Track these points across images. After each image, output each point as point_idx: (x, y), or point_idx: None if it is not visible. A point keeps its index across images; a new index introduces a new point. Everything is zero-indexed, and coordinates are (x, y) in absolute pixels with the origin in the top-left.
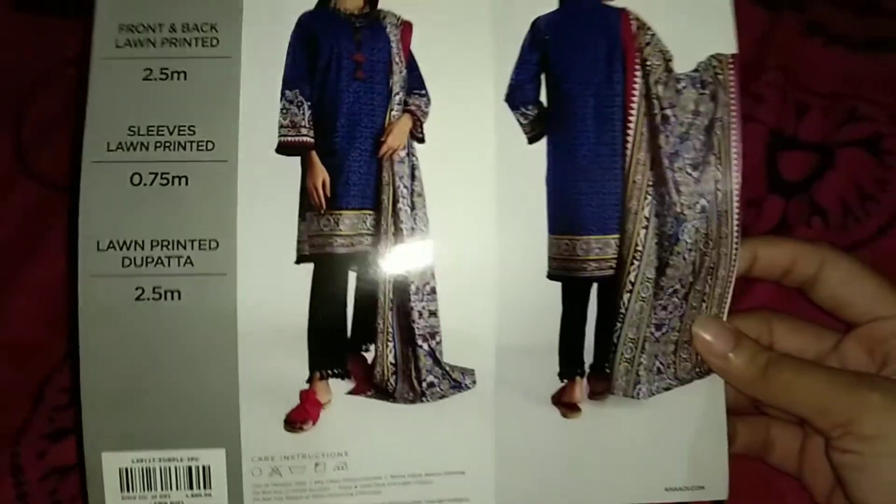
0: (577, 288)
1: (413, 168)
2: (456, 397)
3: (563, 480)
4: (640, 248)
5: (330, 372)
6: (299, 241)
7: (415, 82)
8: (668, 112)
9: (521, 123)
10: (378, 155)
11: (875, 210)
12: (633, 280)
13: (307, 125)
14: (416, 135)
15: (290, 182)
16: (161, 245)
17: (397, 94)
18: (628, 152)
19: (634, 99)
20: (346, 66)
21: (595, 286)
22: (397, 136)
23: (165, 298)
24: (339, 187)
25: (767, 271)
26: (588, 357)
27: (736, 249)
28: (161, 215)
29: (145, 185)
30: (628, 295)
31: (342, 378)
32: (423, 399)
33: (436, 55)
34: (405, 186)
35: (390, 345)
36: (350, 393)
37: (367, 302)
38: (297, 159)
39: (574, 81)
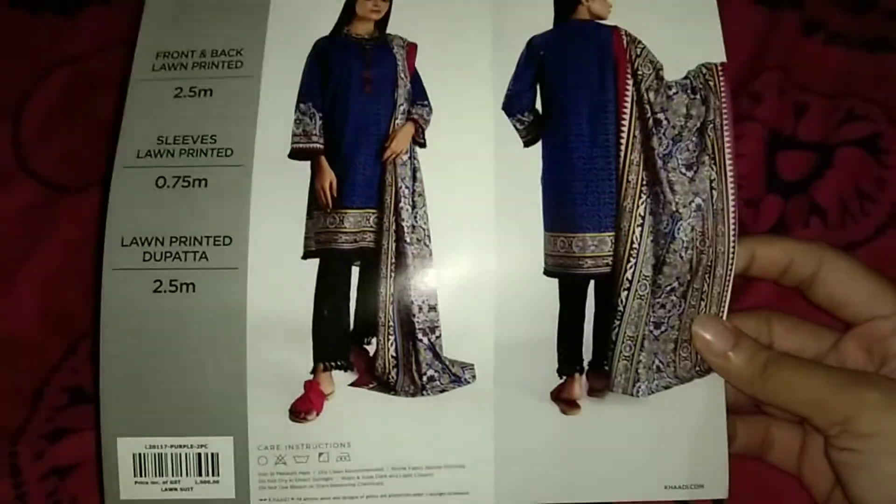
0: (574, 285)
1: (415, 170)
2: (456, 392)
3: (563, 476)
4: (636, 245)
5: (333, 364)
6: (306, 238)
7: (418, 94)
8: (660, 116)
9: (517, 129)
10: (382, 159)
11: (873, 210)
12: (630, 278)
13: (318, 133)
14: (419, 140)
15: (301, 185)
16: (179, 241)
17: (401, 105)
18: (622, 153)
19: (626, 104)
20: (356, 81)
21: (592, 284)
22: (400, 142)
23: (181, 291)
24: (345, 188)
25: (765, 270)
26: (587, 354)
27: (733, 248)
28: (181, 214)
29: (168, 187)
30: (626, 292)
31: (345, 370)
32: (424, 392)
33: (438, 70)
34: (407, 187)
35: (391, 338)
36: (352, 385)
37: (370, 296)
38: (308, 164)
39: (568, 91)
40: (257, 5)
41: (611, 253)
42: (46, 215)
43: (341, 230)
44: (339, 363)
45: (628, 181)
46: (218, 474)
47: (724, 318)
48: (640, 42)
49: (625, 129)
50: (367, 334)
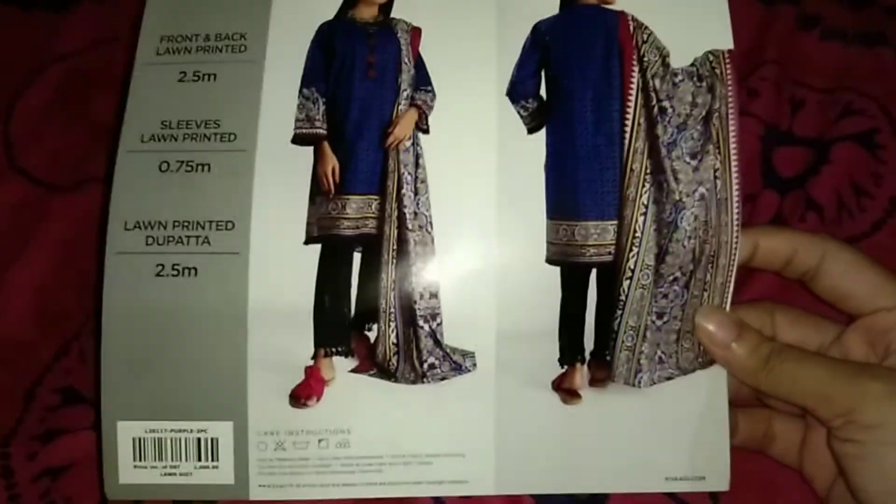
0: (576, 273)
1: (417, 157)
2: (457, 380)
3: (563, 466)
4: (638, 234)
5: (334, 349)
6: (308, 223)
7: (422, 80)
8: (666, 104)
9: (521, 116)
10: (385, 145)
11: (870, 205)
12: (632, 267)
13: (321, 118)
14: (422, 126)
15: (303, 170)
16: (182, 225)
17: (405, 90)
18: (626, 142)
19: (632, 91)
20: (359, 66)
21: (594, 273)
22: (403, 127)
23: (183, 275)
24: (347, 174)
25: (768, 261)
26: (588, 344)
27: (737, 237)
28: (184, 198)
29: (172, 171)
30: (628, 282)
31: (345, 356)
32: (424, 380)
33: (442, 55)
34: (409, 174)
35: (392, 325)
36: (353, 371)
37: (371, 282)
38: (311, 150)
39: (573, 77)
40: None
41: (613, 242)
42: (37, 214)
43: (343, 216)
44: (339, 349)
45: (632, 169)
46: (217, 459)
47: (728, 308)
48: (646, 27)
49: (629, 116)
50: (368, 320)
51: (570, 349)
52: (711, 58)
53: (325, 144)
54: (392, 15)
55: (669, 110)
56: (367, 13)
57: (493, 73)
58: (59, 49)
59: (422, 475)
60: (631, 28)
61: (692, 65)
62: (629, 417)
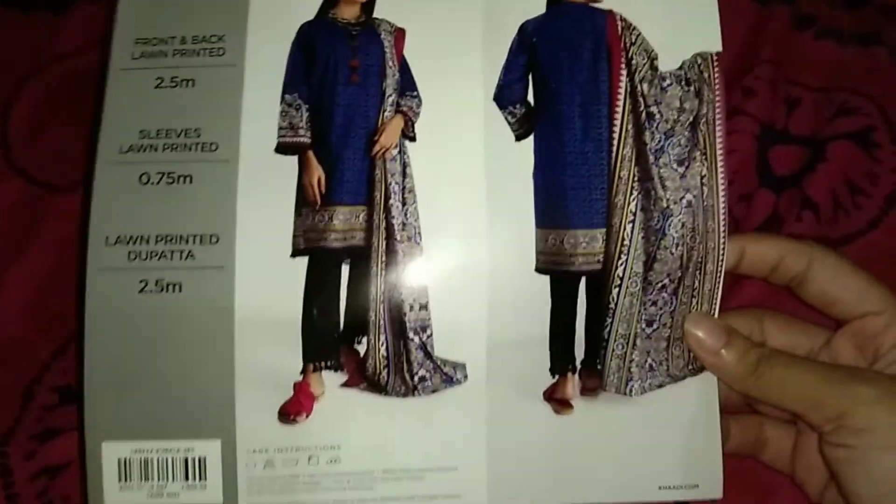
0: (566, 282)
1: (405, 165)
2: (448, 392)
3: (556, 477)
4: (626, 242)
5: (323, 364)
6: (295, 236)
7: (407, 85)
8: (654, 109)
9: (508, 122)
10: (371, 153)
11: (866, 204)
12: (620, 275)
13: (304, 126)
14: (408, 134)
15: (288, 180)
16: (165, 239)
17: (390, 95)
18: (614, 148)
19: (620, 96)
20: (342, 70)
21: (584, 281)
22: (389, 135)
23: (167, 291)
24: (333, 184)
25: (755, 268)
26: (579, 353)
27: (724, 244)
28: (166, 211)
29: (153, 183)
30: (617, 290)
31: (335, 370)
32: (416, 393)
33: (427, 59)
34: (397, 183)
35: (382, 337)
36: (343, 385)
37: (360, 295)
38: (295, 158)
39: (560, 80)
40: None
41: (602, 250)
42: (35, 214)
43: (331, 228)
44: (328, 363)
45: (620, 177)
46: (205, 479)
47: (716, 315)
48: (635, 28)
49: (617, 122)
50: (357, 333)
51: (560, 358)
52: (700, 61)
53: (310, 153)
54: (375, 15)
55: (657, 116)
56: (348, 12)
57: (479, 78)
58: (58, 49)
59: (414, 490)
60: (619, 29)
61: (680, 68)
62: (621, 426)
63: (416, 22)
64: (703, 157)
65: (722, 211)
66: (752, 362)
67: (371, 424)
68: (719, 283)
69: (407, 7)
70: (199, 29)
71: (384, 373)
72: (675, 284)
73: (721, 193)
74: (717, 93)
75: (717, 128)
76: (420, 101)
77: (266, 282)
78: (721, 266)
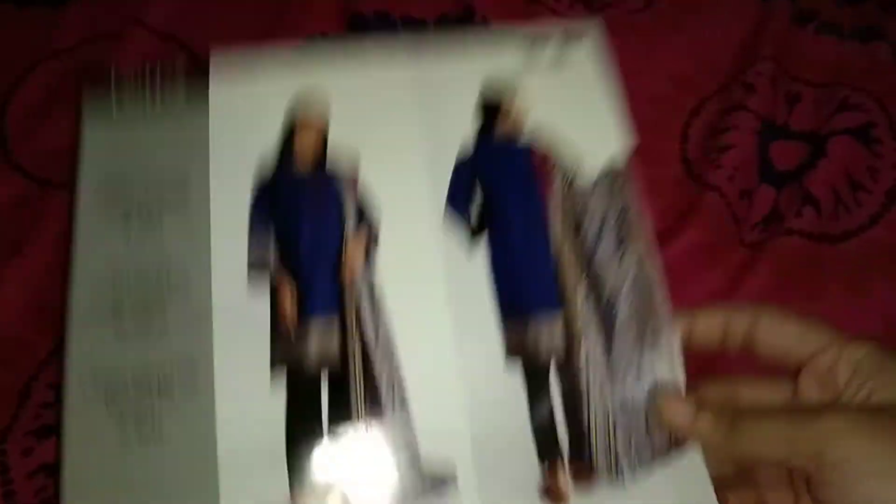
0: (536, 369)
1: (370, 284)
2: (438, 495)
3: None
4: (583, 328)
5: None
6: (272, 356)
7: (364, 215)
8: (583, 215)
9: (461, 229)
10: (340, 278)
11: (866, 199)
12: (584, 361)
13: (273, 257)
14: (371, 255)
15: (261, 306)
16: (141, 379)
17: (349, 227)
18: (555, 251)
19: (551, 206)
20: (305, 206)
21: (553, 369)
22: (353, 260)
23: (147, 426)
24: (306, 304)
25: (706, 342)
26: (565, 443)
27: (669, 321)
28: (142, 348)
29: (127, 318)
30: (584, 376)
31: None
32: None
33: (381, 187)
34: (366, 300)
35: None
36: None
37: (341, 403)
38: (267, 284)
39: (501, 198)
40: (198, 132)
41: (563, 339)
42: (33, 210)
43: (307, 347)
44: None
45: (566, 273)
46: None
47: (683, 385)
48: (554, 149)
49: (553, 227)
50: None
51: (546, 448)
52: (612, 170)
53: (281, 279)
54: (328, 159)
55: (587, 220)
56: (303, 161)
57: (428, 196)
58: (55, 45)
59: None
60: (542, 154)
61: (598, 178)
62: None
63: (365, 157)
64: (635, 245)
65: (661, 291)
66: (727, 425)
67: None
68: (678, 356)
69: (356, 143)
70: (164, 174)
71: None
72: (637, 363)
73: (656, 276)
74: (633, 190)
75: (641, 220)
76: (377, 228)
77: (247, 407)
78: (675, 339)
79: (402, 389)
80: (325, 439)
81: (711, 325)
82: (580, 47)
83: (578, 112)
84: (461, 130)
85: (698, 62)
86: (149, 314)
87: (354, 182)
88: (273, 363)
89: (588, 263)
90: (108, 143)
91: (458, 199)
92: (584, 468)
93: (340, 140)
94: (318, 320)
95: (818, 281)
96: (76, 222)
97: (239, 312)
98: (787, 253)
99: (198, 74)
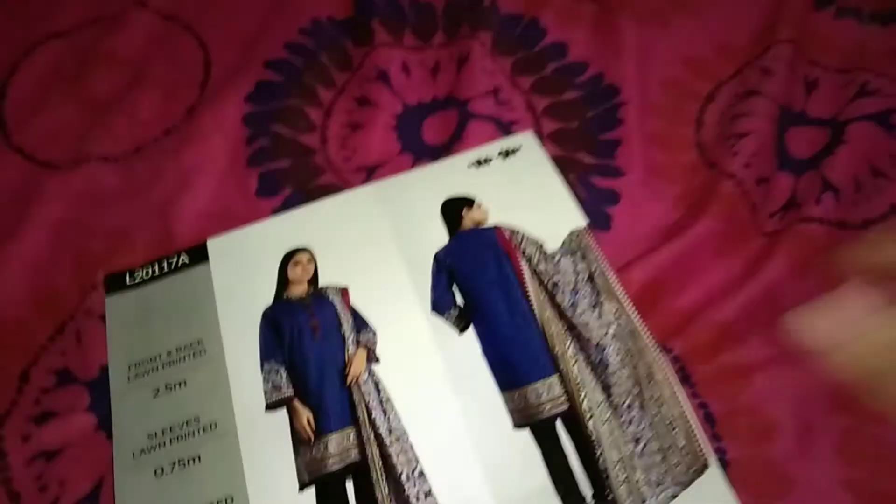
0: (544, 428)
1: (377, 384)
2: None
3: None
4: (578, 380)
5: None
6: (299, 472)
7: (361, 324)
8: (555, 279)
9: (449, 323)
10: (346, 385)
11: (888, 187)
12: (588, 408)
13: (286, 383)
14: (372, 359)
15: (283, 430)
16: None
17: (350, 336)
18: (537, 314)
19: (526, 280)
20: (306, 332)
21: (560, 423)
22: (357, 366)
23: None
24: (321, 418)
25: None
26: (587, 489)
27: (659, 355)
28: (182, 492)
29: (167, 473)
30: (591, 421)
31: None
32: None
33: (370, 299)
34: (374, 399)
35: None
36: None
37: (369, 503)
38: (284, 414)
39: (479, 284)
40: (205, 297)
41: (562, 392)
42: (33, 193)
43: (327, 455)
44: None
45: (551, 333)
46: None
47: (687, 406)
48: (518, 232)
49: (532, 298)
50: None
51: (571, 500)
52: (575, 236)
53: (296, 402)
54: (321, 285)
55: (560, 282)
56: (298, 290)
57: (415, 298)
58: (55, 27)
59: None
60: (507, 235)
61: (563, 245)
62: None
63: (353, 277)
64: (608, 298)
65: (645, 331)
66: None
67: None
68: (675, 386)
69: (342, 272)
70: (181, 340)
71: None
72: (639, 400)
73: (637, 319)
74: (597, 252)
75: (610, 274)
76: (374, 332)
77: None
78: (668, 372)
79: (422, 477)
80: None
81: None
82: (525, 142)
83: (532, 196)
84: (432, 241)
85: (714, 46)
86: (185, 463)
87: (347, 297)
88: (300, 479)
89: (570, 321)
90: (131, 329)
91: (440, 301)
92: None
93: (327, 276)
94: (333, 436)
95: (833, 269)
96: (112, 404)
97: (264, 440)
98: (806, 241)
99: (198, 256)
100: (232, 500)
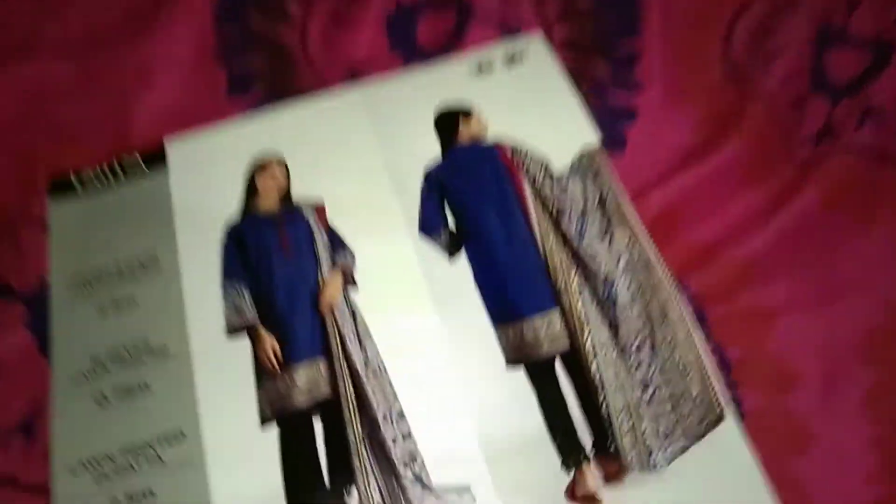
0: (541, 368)
1: (353, 311)
2: None
3: None
4: (582, 317)
5: None
6: (261, 405)
7: (338, 244)
8: (561, 203)
9: (439, 246)
10: (318, 311)
11: None
12: (591, 348)
13: (249, 305)
14: (349, 282)
15: (243, 360)
16: (130, 451)
17: (324, 258)
18: (539, 244)
19: (528, 202)
20: (274, 248)
21: (559, 364)
22: (332, 290)
23: (141, 500)
24: (288, 347)
25: None
26: (587, 440)
27: (675, 292)
28: (127, 423)
29: (110, 401)
30: (595, 363)
31: None
32: None
33: (350, 217)
34: (350, 328)
35: (371, 480)
36: None
37: (339, 445)
38: (246, 339)
39: (475, 205)
40: (162, 206)
41: (563, 329)
42: None
43: (293, 388)
44: None
45: (554, 263)
46: None
47: (703, 350)
48: (521, 149)
49: (534, 222)
50: (344, 486)
51: (568, 449)
52: (585, 155)
53: (260, 327)
54: (293, 199)
55: (567, 207)
56: (268, 204)
57: (400, 218)
58: None
59: None
60: (509, 153)
61: (572, 165)
62: None
63: (330, 191)
64: (620, 226)
65: (660, 264)
66: None
67: None
68: (691, 326)
69: (318, 184)
70: (132, 250)
71: None
72: (650, 341)
73: (652, 250)
74: (611, 173)
75: (623, 199)
76: (353, 253)
77: (241, 465)
78: (684, 312)
79: (402, 418)
80: (325, 480)
81: None
82: (532, 47)
83: (540, 110)
84: (422, 155)
85: None
86: (131, 390)
87: (320, 216)
88: (262, 415)
89: (575, 253)
90: (76, 240)
91: (429, 222)
92: (611, 463)
93: (302, 187)
94: (302, 366)
95: (869, 204)
96: (52, 319)
97: (220, 369)
98: (839, 173)
99: (155, 160)
100: (182, 434)
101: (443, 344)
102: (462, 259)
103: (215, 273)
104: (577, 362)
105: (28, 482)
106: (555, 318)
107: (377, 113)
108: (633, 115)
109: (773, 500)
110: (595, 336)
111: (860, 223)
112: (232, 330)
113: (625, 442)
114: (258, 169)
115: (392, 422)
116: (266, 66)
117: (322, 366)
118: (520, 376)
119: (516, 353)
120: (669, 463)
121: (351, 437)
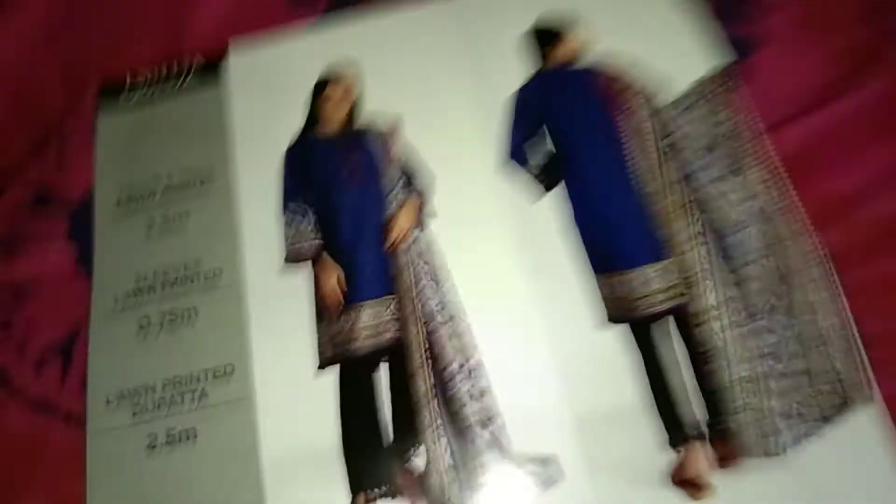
0: (649, 328)
1: (429, 244)
2: (543, 498)
3: None
4: (706, 266)
5: (375, 491)
6: (320, 346)
7: (413, 170)
8: (678, 134)
9: (532, 176)
10: (388, 244)
11: None
12: (713, 303)
13: (314, 229)
14: (427, 213)
15: (301, 293)
16: (173, 383)
17: (393, 189)
18: (655, 178)
19: (627, 136)
20: (341, 174)
21: (672, 322)
22: (405, 220)
23: (181, 441)
24: (353, 282)
25: None
26: (700, 414)
27: (818, 247)
28: (172, 354)
29: (154, 327)
30: (717, 322)
31: (392, 496)
32: None
33: (431, 139)
34: (425, 263)
35: (443, 440)
36: None
37: (405, 397)
38: (304, 271)
39: (572, 133)
40: (219, 118)
41: (679, 280)
42: None
43: (358, 328)
44: (382, 489)
45: (672, 203)
46: None
47: (849, 319)
48: (623, 75)
49: (640, 157)
50: (410, 445)
51: (676, 424)
52: (710, 79)
53: (325, 255)
54: (363, 118)
55: (687, 138)
56: (334, 125)
57: (487, 144)
58: None
59: None
60: (607, 81)
61: (695, 88)
62: (781, 499)
63: (411, 109)
64: (757, 165)
65: (801, 213)
66: None
67: None
68: (838, 287)
69: (397, 101)
70: (185, 163)
71: (453, 488)
72: (786, 301)
73: (792, 194)
74: (744, 102)
75: (760, 130)
76: (430, 180)
77: (293, 408)
78: (830, 268)
79: (479, 371)
80: (389, 435)
81: None
82: None
83: (658, 25)
84: (516, 80)
85: None
86: (177, 316)
87: (393, 139)
88: (321, 357)
89: (701, 189)
90: (126, 150)
91: (521, 149)
92: (727, 444)
93: (378, 104)
94: (368, 305)
95: None
96: (96, 234)
97: (276, 299)
98: None
99: (213, 69)
100: (232, 369)
101: (530, 292)
102: (553, 198)
103: (274, 193)
104: (693, 323)
105: (63, 409)
106: (669, 268)
107: (469, 28)
108: (761, 41)
109: None
110: (717, 293)
111: None
112: (292, 256)
113: (746, 418)
114: (327, 84)
115: (469, 373)
116: None
117: (391, 305)
118: (619, 335)
119: (620, 309)
120: (797, 445)
121: (421, 390)
